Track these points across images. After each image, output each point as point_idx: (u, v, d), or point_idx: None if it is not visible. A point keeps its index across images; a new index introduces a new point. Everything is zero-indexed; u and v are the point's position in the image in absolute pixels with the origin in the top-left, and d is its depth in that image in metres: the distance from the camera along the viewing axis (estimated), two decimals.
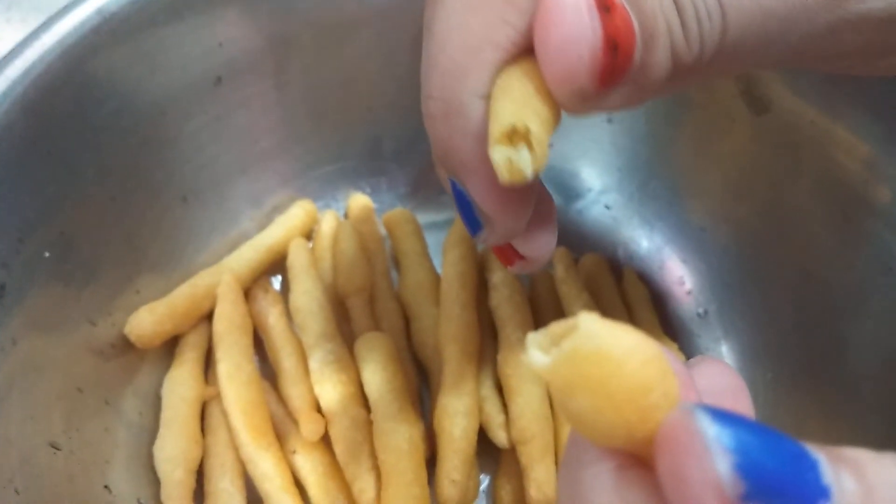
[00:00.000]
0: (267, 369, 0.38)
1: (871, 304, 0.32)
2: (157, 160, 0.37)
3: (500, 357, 0.35)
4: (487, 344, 0.37)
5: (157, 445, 0.33)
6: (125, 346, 0.35)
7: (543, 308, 0.39)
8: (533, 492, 0.32)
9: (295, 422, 0.35)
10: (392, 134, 0.44)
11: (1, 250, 0.29)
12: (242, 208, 0.41)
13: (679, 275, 0.42)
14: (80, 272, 0.33)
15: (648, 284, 0.42)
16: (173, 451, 0.33)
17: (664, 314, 0.41)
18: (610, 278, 0.41)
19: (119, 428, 0.34)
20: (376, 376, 0.34)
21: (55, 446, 0.30)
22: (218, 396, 0.35)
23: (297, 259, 0.39)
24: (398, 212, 0.43)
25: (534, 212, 0.24)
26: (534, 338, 0.14)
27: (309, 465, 0.33)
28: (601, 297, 0.39)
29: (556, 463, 0.33)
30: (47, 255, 0.31)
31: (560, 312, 0.38)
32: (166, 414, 0.34)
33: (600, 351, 0.13)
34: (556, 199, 0.43)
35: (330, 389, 0.34)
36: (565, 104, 0.20)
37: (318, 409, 0.35)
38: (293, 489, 0.33)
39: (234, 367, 0.34)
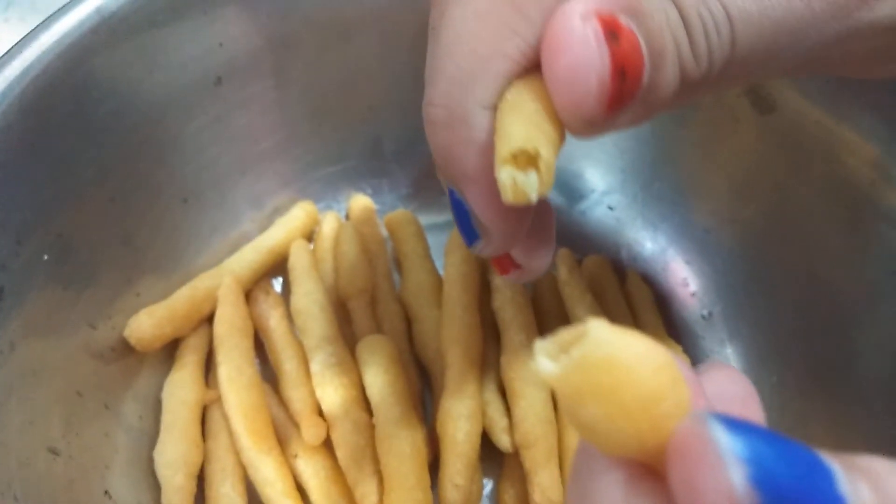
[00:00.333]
0: (268, 372, 0.38)
1: (881, 308, 0.32)
2: (157, 161, 0.36)
3: (503, 360, 0.35)
4: (490, 346, 0.37)
5: (157, 450, 0.33)
6: (125, 349, 0.35)
7: (546, 310, 0.39)
8: (537, 497, 0.31)
9: (296, 425, 0.34)
10: (393, 134, 0.44)
11: None
12: (243, 210, 0.41)
13: (683, 276, 0.41)
14: (79, 275, 0.33)
15: (652, 286, 0.41)
16: (174, 456, 0.32)
17: (668, 316, 0.41)
18: (613, 280, 0.40)
19: (119, 432, 0.33)
20: (378, 379, 0.33)
21: (54, 451, 0.30)
22: (219, 400, 0.35)
23: (299, 261, 0.39)
24: (400, 213, 0.43)
25: (533, 222, 0.24)
26: (541, 345, 0.14)
27: (311, 470, 0.33)
28: (605, 299, 0.39)
29: (561, 467, 0.33)
30: (46, 257, 0.31)
31: (563, 314, 0.38)
32: (167, 418, 0.34)
33: (611, 358, 0.13)
34: (559, 199, 0.44)
35: (331, 393, 0.34)
36: (573, 130, 0.20)
37: (320, 413, 0.34)
38: (295, 494, 0.33)
39: (234, 371, 0.34)
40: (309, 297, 0.37)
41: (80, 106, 0.32)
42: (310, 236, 0.42)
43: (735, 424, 0.13)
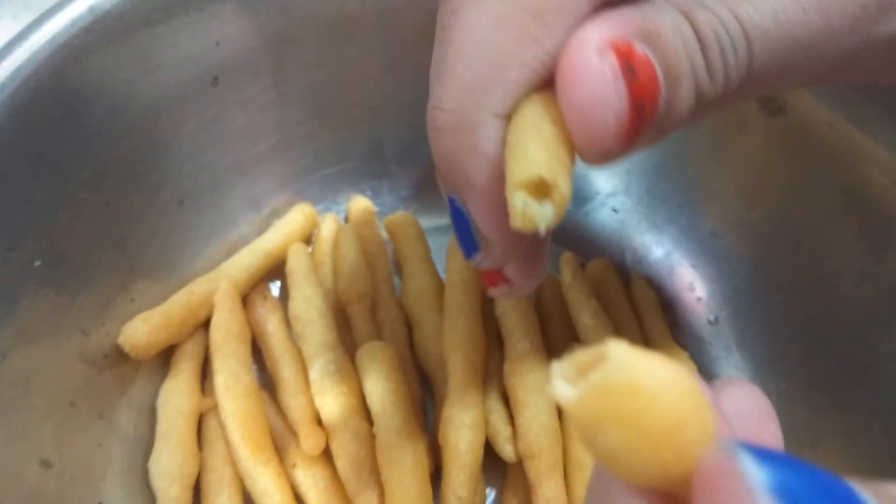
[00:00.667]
0: (265, 377, 0.37)
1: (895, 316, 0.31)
2: (152, 163, 0.36)
3: (506, 367, 0.34)
4: (493, 353, 0.36)
5: (152, 460, 0.32)
6: (119, 356, 0.34)
7: (550, 315, 0.38)
8: None
9: (295, 435, 0.34)
10: (394, 135, 0.43)
11: None
12: (240, 212, 0.41)
13: (689, 280, 0.41)
14: (72, 280, 0.32)
15: (658, 290, 0.40)
16: (169, 466, 0.32)
17: (674, 321, 0.40)
18: (618, 284, 0.40)
19: (113, 442, 0.33)
20: (379, 387, 0.33)
21: (47, 464, 0.29)
22: (215, 408, 0.34)
23: (297, 265, 0.38)
24: (400, 215, 0.42)
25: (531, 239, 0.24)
26: (558, 367, 0.13)
27: (310, 481, 0.32)
28: (609, 304, 0.38)
29: (566, 478, 0.32)
30: (38, 263, 0.30)
31: (567, 320, 0.37)
32: (162, 427, 0.33)
33: (633, 383, 0.12)
34: None
35: (331, 401, 0.33)
36: (588, 160, 0.19)
37: (319, 422, 0.34)
38: None
39: (231, 378, 0.33)
40: (307, 303, 0.36)
41: (72, 107, 0.31)
42: (308, 239, 0.42)
43: (765, 455, 0.12)
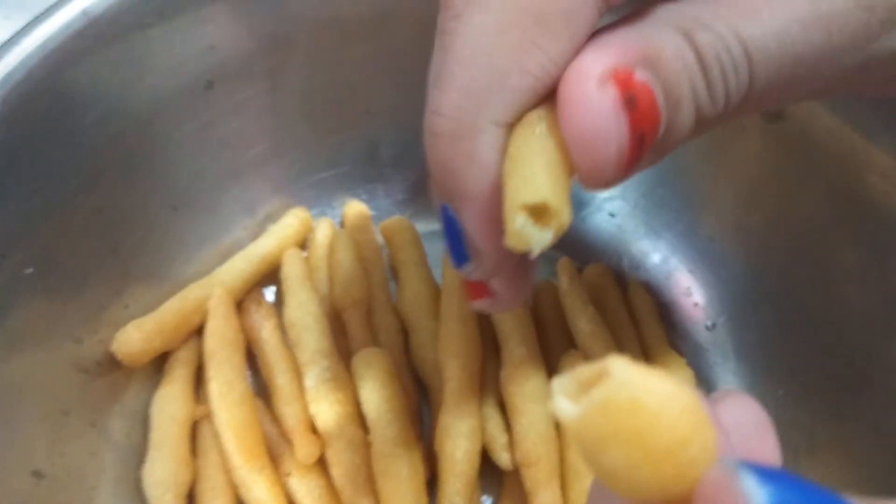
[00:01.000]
0: (260, 384, 0.37)
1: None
2: (146, 168, 0.35)
3: (502, 374, 0.34)
4: (489, 359, 0.36)
5: (145, 469, 0.32)
6: (112, 364, 0.34)
7: (547, 321, 0.38)
8: None
9: (290, 442, 0.33)
10: (390, 139, 0.43)
11: None
12: (234, 217, 0.40)
13: (686, 286, 0.41)
14: (64, 287, 0.32)
15: (655, 296, 0.40)
16: (163, 475, 0.31)
17: (671, 327, 0.40)
18: (615, 290, 0.40)
19: (106, 451, 0.32)
20: (375, 395, 0.32)
21: (38, 474, 0.29)
22: (209, 416, 0.33)
23: (292, 270, 0.38)
24: (396, 220, 0.41)
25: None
26: (559, 383, 0.13)
27: (304, 489, 0.32)
28: (606, 310, 0.38)
29: (563, 487, 0.32)
30: (30, 270, 0.30)
31: (564, 326, 0.37)
32: (155, 435, 0.33)
33: (636, 401, 0.12)
34: None
35: (326, 409, 0.33)
36: (588, 186, 0.19)
37: (314, 429, 0.33)
38: None
39: (225, 386, 0.33)
40: (302, 309, 0.36)
41: (64, 112, 0.31)
42: (303, 244, 0.41)
43: (764, 473, 0.12)
